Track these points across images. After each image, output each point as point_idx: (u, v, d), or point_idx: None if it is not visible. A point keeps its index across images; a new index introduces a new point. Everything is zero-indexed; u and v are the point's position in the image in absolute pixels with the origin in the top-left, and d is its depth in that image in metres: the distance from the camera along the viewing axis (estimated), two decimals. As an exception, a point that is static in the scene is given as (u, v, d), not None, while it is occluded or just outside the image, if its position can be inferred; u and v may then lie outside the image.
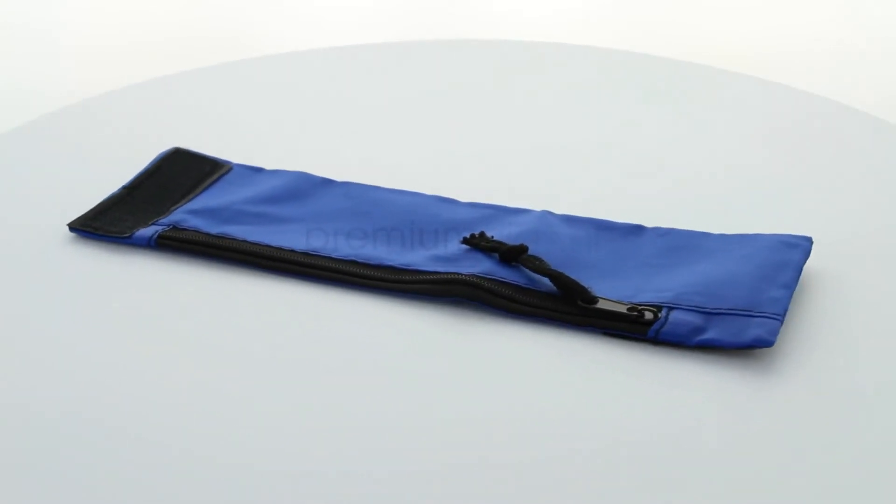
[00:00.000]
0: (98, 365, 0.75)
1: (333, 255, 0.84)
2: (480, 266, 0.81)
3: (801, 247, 0.83)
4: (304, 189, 0.92)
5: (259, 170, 0.95)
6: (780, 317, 0.77)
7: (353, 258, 0.84)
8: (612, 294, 0.79)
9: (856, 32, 2.48)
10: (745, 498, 0.66)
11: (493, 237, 0.84)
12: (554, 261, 0.82)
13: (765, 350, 0.75)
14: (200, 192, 0.92)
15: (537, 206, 0.90)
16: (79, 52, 2.36)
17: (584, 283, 0.79)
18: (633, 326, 0.76)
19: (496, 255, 0.82)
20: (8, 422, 0.71)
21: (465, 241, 0.84)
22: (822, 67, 2.30)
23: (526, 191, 0.94)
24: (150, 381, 0.74)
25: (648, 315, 0.76)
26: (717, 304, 0.77)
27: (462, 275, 0.80)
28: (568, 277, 0.79)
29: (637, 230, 0.86)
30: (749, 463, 0.68)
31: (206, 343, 0.77)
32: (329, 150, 1.00)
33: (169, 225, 0.87)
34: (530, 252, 0.82)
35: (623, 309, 0.77)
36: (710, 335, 0.75)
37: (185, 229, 0.87)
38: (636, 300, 0.78)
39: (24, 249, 0.87)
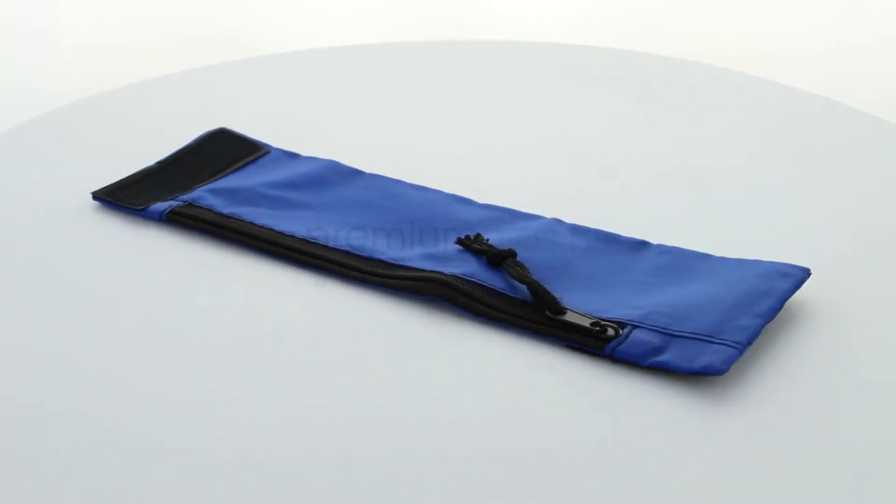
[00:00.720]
0: (76, 347, 0.76)
1: (329, 245, 0.85)
2: (466, 267, 0.82)
3: (793, 277, 0.81)
4: (328, 177, 0.93)
5: (295, 155, 0.97)
6: (739, 346, 0.75)
7: (347, 249, 0.84)
8: (586, 307, 0.78)
9: (856, 32, 2.48)
10: None
11: (487, 240, 0.85)
12: (545, 269, 0.82)
13: (725, 378, 0.74)
14: (230, 173, 0.94)
15: (534, 204, 0.91)
16: (79, 52, 2.36)
17: (563, 293, 0.79)
18: (593, 341, 0.76)
19: (485, 257, 0.83)
20: None
21: (458, 241, 0.85)
22: (823, 67, 2.30)
23: (525, 189, 0.94)
24: (122, 360, 0.74)
25: (610, 331, 0.76)
26: (680, 327, 0.76)
27: (441, 274, 0.81)
28: (541, 287, 0.79)
29: (640, 246, 0.85)
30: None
31: (184, 326, 0.78)
32: (329, 149, 1.00)
33: (186, 201, 0.89)
34: (520, 258, 0.82)
35: (586, 323, 0.77)
36: (664, 357, 0.74)
37: (198, 206, 0.88)
38: (606, 315, 0.78)
39: (24, 236, 0.87)
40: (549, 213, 0.90)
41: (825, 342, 0.78)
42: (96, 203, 0.91)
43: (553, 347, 0.77)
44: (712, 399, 0.73)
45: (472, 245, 0.84)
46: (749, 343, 0.75)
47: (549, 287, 0.79)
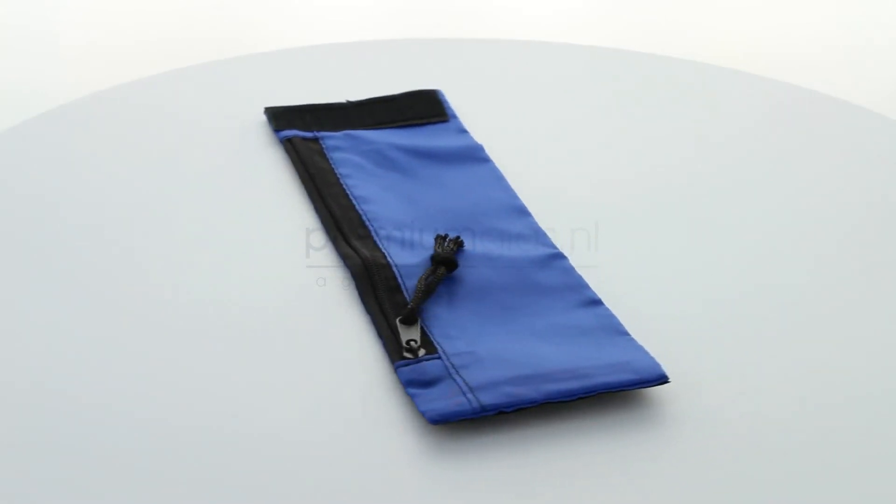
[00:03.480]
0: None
1: (355, 206, 0.91)
2: (408, 260, 0.84)
3: (636, 377, 0.74)
4: (451, 157, 0.97)
5: (463, 131, 1.01)
6: (477, 407, 0.72)
7: (362, 213, 0.90)
8: (453, 334, 0.78)
9: (855, 30, 2.48)
10: None
11: (453, 247, 0.85)
12: (471, 288, 0.82)
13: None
14: (391, 128, 1.01)
15: (530, 202, 0.91)
16: (79, 52, 2.36)
17: (452, 315, 0.80)
18: (396, 353, 0.77)
19: (431, 257, 0.84)
20: None
21: (436, 237, 0.86)
22: (823, 66, 2.30)
23: (523, 188, 0.94)
24: (126, 349, 0.74)
25: (416, 354, 0.76)
26: (465, 373, 0.75)
27: (368, 256, 0.85)
28: (415, 296, 0.80)
29: (592, 304, 0.81)
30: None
31: (176, 312, 0.78)
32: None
33: (314, 138, 0.98)
34: (459, 271, 0.83)
35: (405, 338, 0.78)
36: (418, 391, 0.73)
37: (311, 142, 0.97)
38: (450, 347, 0.77)
39: (24, 246, 0.87)
40: (545, 211, 0.90)
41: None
42: (92, 198, 0.91)
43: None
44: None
45: (441, 244, 0.85)
46: (496, 410, 0.72)
47: (447, 302, 0.81)
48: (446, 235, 0.87)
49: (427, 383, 0.74)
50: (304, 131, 0.99)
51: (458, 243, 0.86)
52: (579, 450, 0.70)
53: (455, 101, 1.07)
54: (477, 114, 1.05)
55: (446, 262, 0.83)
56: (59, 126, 1.03)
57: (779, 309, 0.82)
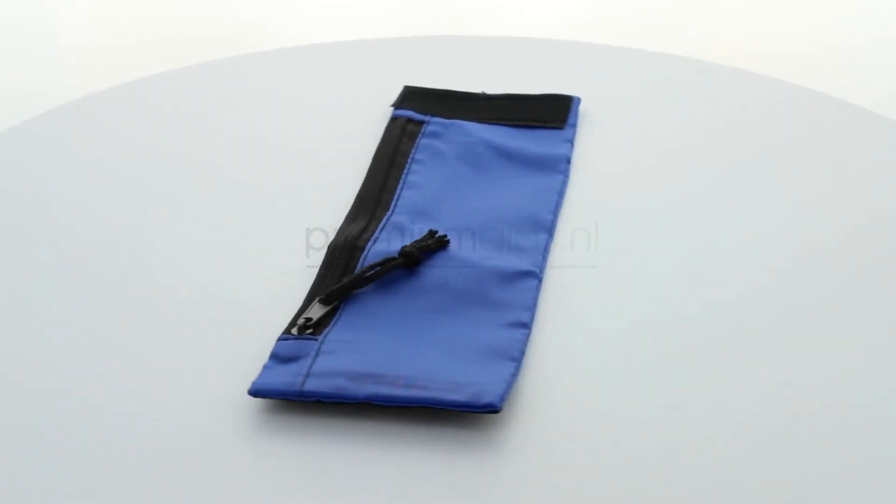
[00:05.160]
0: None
1: (396, 190, 0.93)
2: (388, 248, 0.86)
3: (468, 406, 0.72)
4: (530, 162, 0.97)
5: (567, 141, 1.00)
6: (294, 391, 0.73)
7: (396, 198, 0.92)
8: (356, 322, 0.79)
9: (855, 30, 2.48)
10: None
11: (431, 244, 0.85)
12: (420, 286, 0.82)
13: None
14: (503, 125, 1.01)
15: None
16: (79, 52, 2.36)
17: (372, 305, 0.81)
18: (289, 327, 0.78)
19: (402, 251, 0.84)
20: None
21: (429, 231, 0.87)
22: (822, 65, 2.30)
23: (527, 189, 0.94)
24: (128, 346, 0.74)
25: (302, 332, 0.78)
26: (319, 359, 0.76)
27: (350, 237, 0.87)
28: (345, 281, 0.81)
29: (515, 326, 0.79)
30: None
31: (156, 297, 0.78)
32: (329, 146, 1.00)
33: (421, 121, 1.01)
34: (423, 269, 0.84)
35: (305, 316, 0.79)
36: (265, 369, 0.75)
37: (415, 124, 1.00)
38: (335, 333, 0.78)
39: (25, 252, 0.87)
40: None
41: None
42: (92, 198, 0.91)
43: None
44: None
45: (426, 239, 0.86)
46: (315, 397, 0.72)
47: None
48: (436, 232, 0.87)
49: (286, 360, 0.75)
50: (419, 113, 1.02)
51: (442, 242, 0.86)
52: (405, 458, 0.70)
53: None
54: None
55: (408, 256, 0.83)
56: (59, 126, 1.03)
57: (779, 308, 0.82)
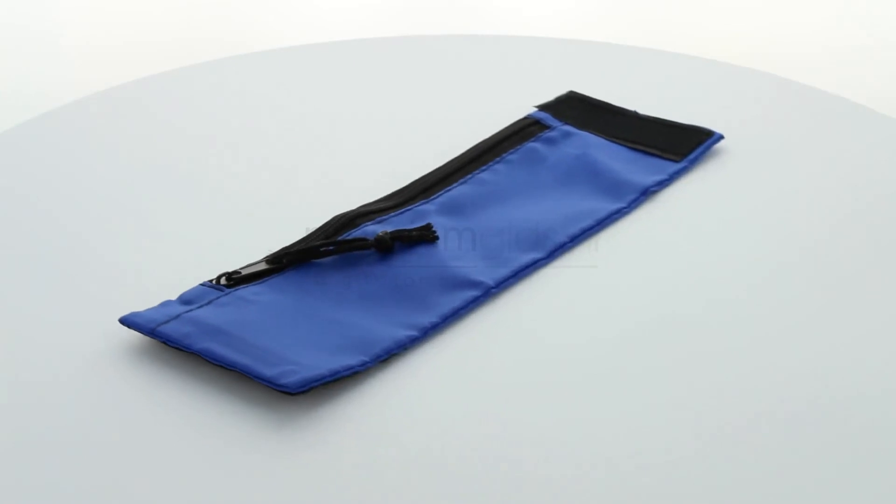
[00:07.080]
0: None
1: (455, 182, 0.93)
2: (376, 229, 0.86)
3: (268, 381, 0.73)
4: (609, 187, 0.93)
5: (669, 178, 0.95)
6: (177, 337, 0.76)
7: (446, 189, 0.92)
8: (276, 285, 0.81)
9: (855, 29, 2.48)
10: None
11: (413, 234, 0.86)
12: (379, 271, 0.83)
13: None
14: (622, 145, 0.98)
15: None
16: (79, 52, 2.36)
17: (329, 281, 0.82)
18: (221, 275, 0.81)
19: (383, 236, 0.85)
20: None
21: (427, 224, 0.87)
22: (823, 64, 2.30)
23: (527, 189, 0.94)
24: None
25: (217, 281, 0.81)
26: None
27: (353, 214, 0.88)
28: (294, 246, 0.83)
29: (406, 327, 0.79)
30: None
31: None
32: (328, 146, 1.00)
33: (549, 126, 1.00)
34: (395, 256, 0.84)
35: (238, 269, 0.82)
36: (160, 305, 0.78)
37: (539, 127, 1.00)
38: (243, 291, 0.80)
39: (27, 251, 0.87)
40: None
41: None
42: (92, 198, 0.91)
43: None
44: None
45: (415, 229, 0.86)
46: (163, 338, 0.76)
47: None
48: (430, 226, 0.87)
49: (185, 302, 0.78)
50: (556, 119, 1.01)
51: (427, 237, 0.86)
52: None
53: (455, 97, 1.07)
54: (475, 111, 1.05)
55: (379, 242, 0.84)
56: (59, 126, 1.03)
57: (778, 309, 0.82)
